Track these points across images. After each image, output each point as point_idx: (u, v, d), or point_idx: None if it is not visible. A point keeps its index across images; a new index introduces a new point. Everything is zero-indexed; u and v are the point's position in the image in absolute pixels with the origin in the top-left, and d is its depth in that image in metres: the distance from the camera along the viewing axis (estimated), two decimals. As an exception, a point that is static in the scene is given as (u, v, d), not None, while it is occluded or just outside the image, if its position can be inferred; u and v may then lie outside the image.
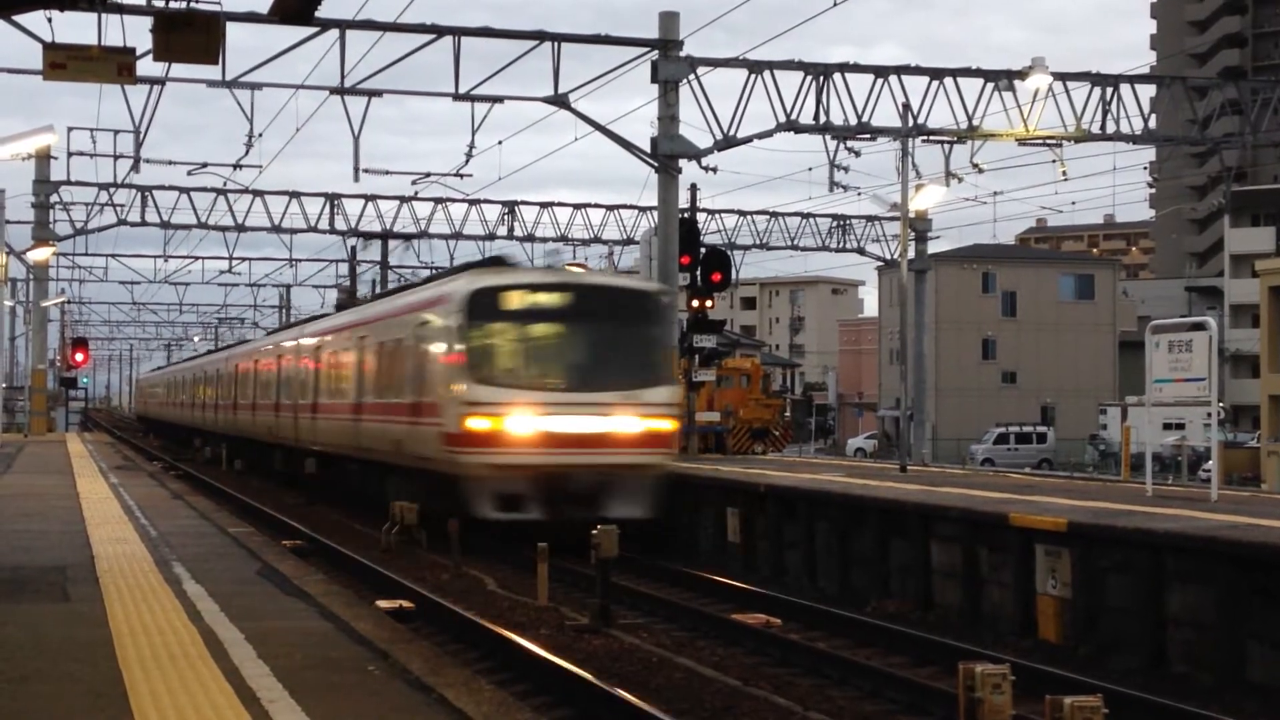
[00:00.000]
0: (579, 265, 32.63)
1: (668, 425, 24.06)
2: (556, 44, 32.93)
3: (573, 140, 38.18)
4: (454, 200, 56.26)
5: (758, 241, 60.97)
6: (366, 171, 45.42)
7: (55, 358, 79.76)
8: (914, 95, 36.23)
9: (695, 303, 35.40)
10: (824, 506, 21.34)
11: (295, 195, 56.02)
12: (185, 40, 15.95)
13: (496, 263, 27.51)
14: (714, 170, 35.26)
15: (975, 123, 37.15)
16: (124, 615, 11.74)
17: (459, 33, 32.44)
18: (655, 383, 23.95)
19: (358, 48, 54.33)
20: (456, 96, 33.60)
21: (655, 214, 35.97)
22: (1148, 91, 38.97)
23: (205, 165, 48.80)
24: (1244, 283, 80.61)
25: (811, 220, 60.18)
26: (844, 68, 35.66)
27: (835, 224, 60.51)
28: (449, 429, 23.69)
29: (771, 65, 34.89)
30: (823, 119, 35.42)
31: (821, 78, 35.30)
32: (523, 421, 23.15)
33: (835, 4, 27.60)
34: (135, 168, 43.26)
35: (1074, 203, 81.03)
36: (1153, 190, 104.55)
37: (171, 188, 54.58)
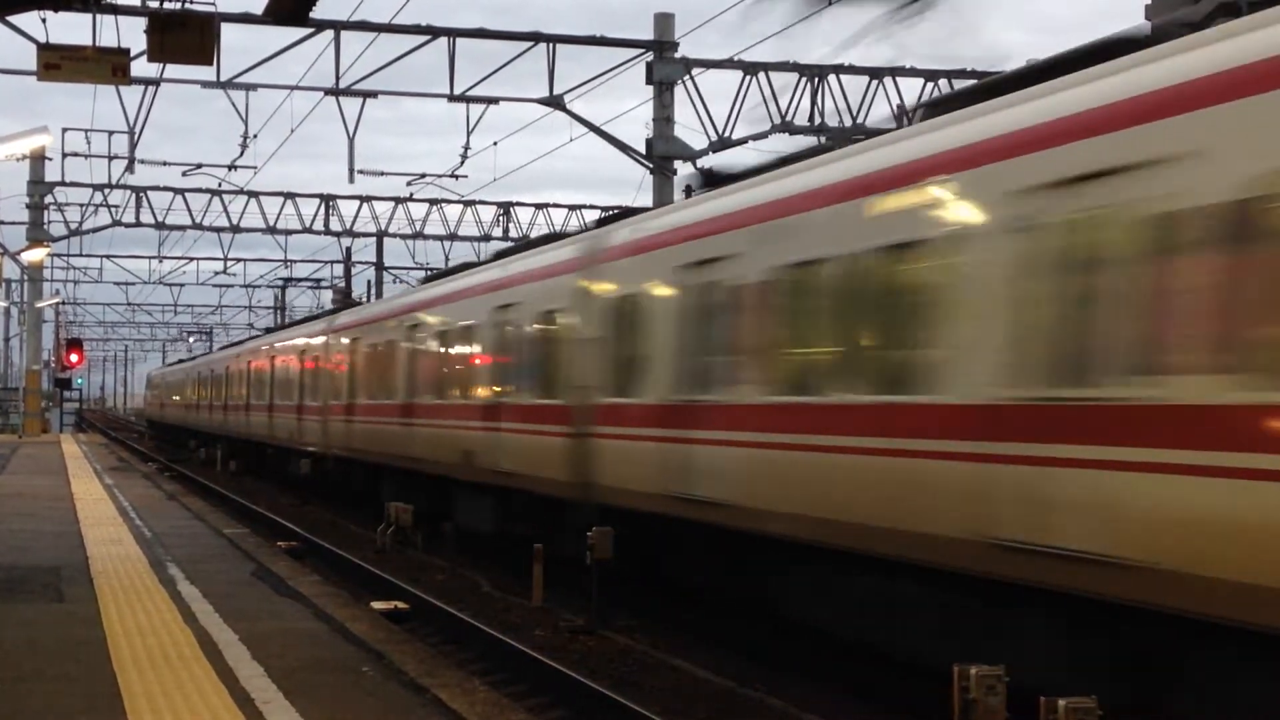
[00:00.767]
0: None
1: None
2: (551, 45, 32.95)
3: (568, 141, 38.14)
4: (449, 201, 56.26)
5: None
6: (361, 173, 45.34)
7: (50, 359, 79.68)
8: (908, 96, 36.28)
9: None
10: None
11: (290, 196, 55.98)
12: (180, 41, 15.98)
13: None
14: (711, 171, 35.23)
15: (970, 124, 37.15)
16: (118, 616, 11.74)
17: (454, 34, 32.44)
18: None
19: (352, 49, 54.49)
20: (451, 98, 33.63)
21: (650, 215, 35.96)
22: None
23: (200, 166, 48.94)
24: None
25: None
26: (838, 69, 35.67)
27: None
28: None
29: (766, 66, 34.90)
30: (817, 120, 35.42)
31: (816, 79, 35.31)
32: None
33: (830, 3, 27.57)
34: (130, 168, 43.20)
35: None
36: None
37: (166, 188, 54.53)
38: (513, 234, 57.87)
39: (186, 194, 54.43)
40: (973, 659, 9.26)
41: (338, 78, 32.89)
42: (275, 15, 15.62)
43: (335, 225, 56.83)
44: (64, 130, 48.16)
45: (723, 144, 34.31)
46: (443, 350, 24.19)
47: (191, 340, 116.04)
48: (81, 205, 55.01)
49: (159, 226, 55.75)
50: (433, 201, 56.19)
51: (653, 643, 15.45)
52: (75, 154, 48.02)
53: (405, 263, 64.48)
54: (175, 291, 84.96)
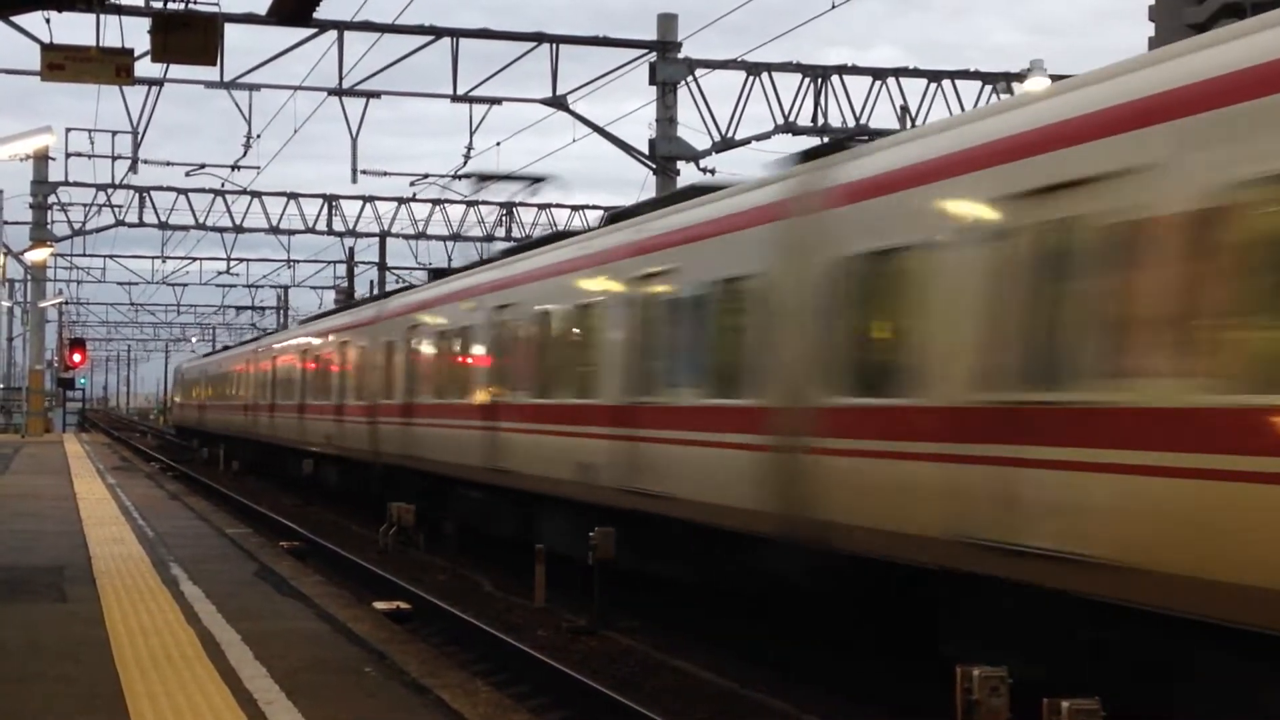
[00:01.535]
0: None
1: None
2: (555, 45, 32.96)
3: (571, 142, 38.22)
4: (452, 201, 56.30)
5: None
6: (364, 173, 45.43)
7: (53, 358, 79.78)
8: (912, 97, 36.26)
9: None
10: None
11: (293, 196, 56.02)
12: (183, 41, 16.00)
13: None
14: (712, 172, 35.22)
15: (973, 125, 37.14)
16: (121, 616, 11.74)
17: (457, 34, 32.45)
18: None
19: (356, 49, 54.38)
20: (455, 98, 33.64)
21: (653, 216, 35.96)
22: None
23: (203, 166, 49.00)
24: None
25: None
26: (842, 70, 35.66)
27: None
28: None
29: (770, 67, 34.89)
30: (821, 121, 35.41)
31: (819, 79, 35.30)
32: None
33: (834, 6, 27.59)
34: (133, 168, 43.31)
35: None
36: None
37: (169, 188, 54.58)
38: (515, 234, 57.92)
39: (189, 194, 54.50)
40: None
41: (341, 78, 32.92)
42: (278, 15, 15.65)
43: (338, 225, 56.91)
44: (67, 130, 48.29)
45: (726, 144, 34.32)
46: (556, 338, 18.88)
47: (195, 341, 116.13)
48: (85, 205, 55.15)
49: (162, 226, 55.80)
50: (435, 202, 56.24)
51: (655, 643, 15.45)
52: (79, 154, 48.13)
53: (408, 263, 64.60)
54: (178, 291, 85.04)
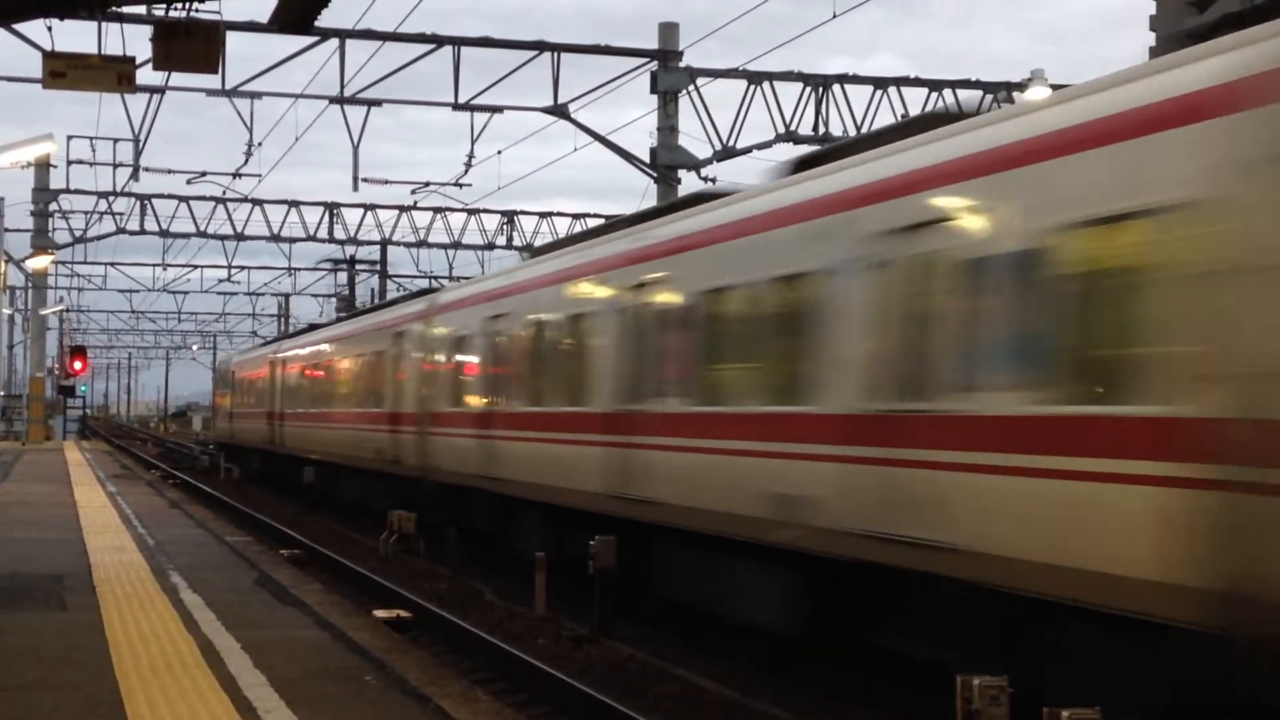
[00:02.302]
0: None
1: None
2: (556, 54, 32.97)
3: (572, 150, 38.12)
4: (453, 210, 56.33)
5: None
6: (365, 181, 45.38)
7: (54, 366, 79.81)
8: (913, 106, 36.27)
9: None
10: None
11: (294, 204, 56.06)
12: (185, 49, 16.01)
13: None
14: (713, 181, 35.29)
15: (974, 134, 37.14)
16: (121, 624, 11.73)
17: (458, 42, 32.48)
18: None
19: (357, 57, 54.23)
20: (456, 106, 33.66)
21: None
22: (1147, 103, 38.92)
23: (204, 174, 49.01)
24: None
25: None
26: (843, 79, 35.68)
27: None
28: None
29: (771, 76, 34.91)
30: (822, 130, 35.44)
31: (820, 88, 35.32)
32: None
33: (835, 15, 27.62)
34: (134, 176, 43.34)
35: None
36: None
37: (170, 196, 54.61)
38: (516, 242, 57.96)
39: (191, 201, 54.53)
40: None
41: (342, 86, 32.94)
42: (280, 24, 15.66)
43: (339, 233, 56.92)
44: (69, 137, 48.28)
45: (727, 153, 34.34)
46: (725, 328, 14.29)
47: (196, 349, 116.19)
48: (86, 212, 55.17)
49: (163, 234, 55.83)
50: (437, 210, 56.27)
51: (656, 652, 15.43)
52: (80, 161, 48.12)
53: (409, 271, 64.56)
54: (179, 299, 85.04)
